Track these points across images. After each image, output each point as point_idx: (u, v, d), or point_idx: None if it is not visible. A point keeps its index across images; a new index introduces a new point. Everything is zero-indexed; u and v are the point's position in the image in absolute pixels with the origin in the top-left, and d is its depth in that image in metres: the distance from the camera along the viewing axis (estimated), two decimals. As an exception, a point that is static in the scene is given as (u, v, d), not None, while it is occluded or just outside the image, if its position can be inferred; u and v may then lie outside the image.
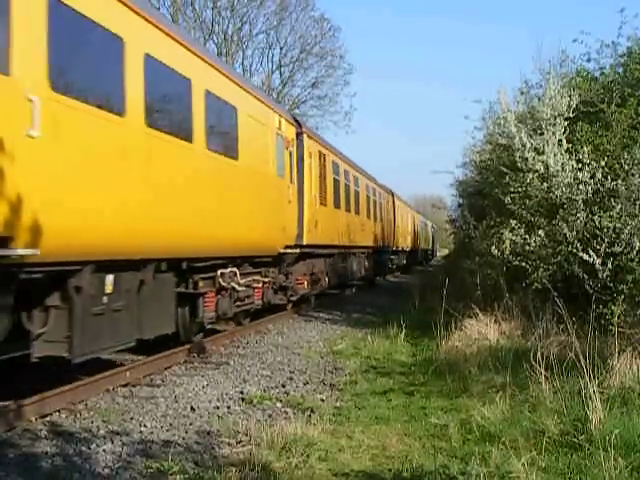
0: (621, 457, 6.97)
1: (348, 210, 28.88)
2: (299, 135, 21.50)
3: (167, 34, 12.35)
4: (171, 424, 9.37)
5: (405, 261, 50.36)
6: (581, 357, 8.88)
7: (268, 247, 18.13)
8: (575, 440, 7.82)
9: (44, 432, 8.82)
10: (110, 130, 10.27)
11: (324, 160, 24.42)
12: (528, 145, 14.76)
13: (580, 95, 15.56)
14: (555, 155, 14.47)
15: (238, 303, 16.84)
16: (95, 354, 10.52)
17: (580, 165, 14.04)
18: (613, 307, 11.57)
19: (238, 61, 41.04)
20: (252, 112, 16.96)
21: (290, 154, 20.27)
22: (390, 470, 7.46)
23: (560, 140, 14.72)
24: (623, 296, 11.89)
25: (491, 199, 18.25)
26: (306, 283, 23.13)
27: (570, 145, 14.67)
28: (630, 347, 10.20)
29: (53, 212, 8.73)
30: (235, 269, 16.16)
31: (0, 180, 7.78)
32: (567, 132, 14.94)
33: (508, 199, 15.07)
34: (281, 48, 42.94)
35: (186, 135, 12.98)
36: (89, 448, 8.16)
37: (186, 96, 13.15)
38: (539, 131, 15.18)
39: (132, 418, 9.58)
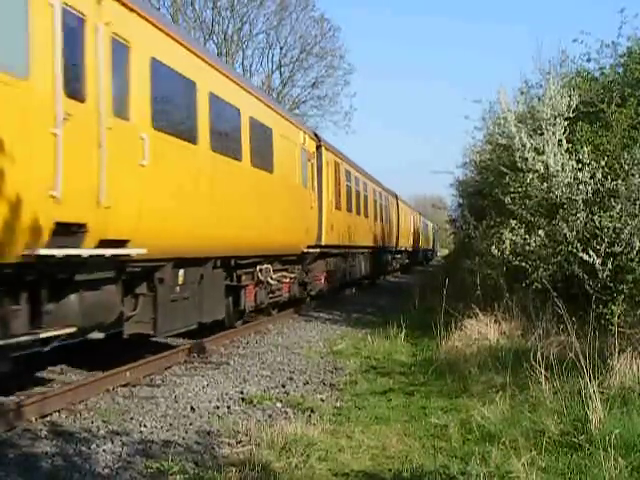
0: (621, 457, 6.97)
1: (358, 213, 31.26)
2: (318, 148, 24.09)
3: (225, 75, 15.55)
4: (171, 424, 9.37)
5: (407, 260, 52.72)
6: (581, 357, 8.87)
7: (294, 247, 20.93)
8: (575, 440, 7.82)
9: (44, 432, 8.82)
10: (188, 155, 13.13)
11: (338, 169, 26.93)
12: (528, 145, 14.76)
13: (580, 95, 15.56)
14: (555, 155, 14.47)
15: (271, 295, 19.76)
16: (171, 333, 13.37)
17: (580, 165, 14.03)
18: (613, 307, 11.57)
19: (238, 61, 41.15)
20: (284, 132, 19.85)
21: (312, 165, 23.01)
22: (390, 470, 7.47)
23: (560, 140, 14.72)
24: (623, 296, 11.90)
25: (491, 199, 18.25)
26: (323, 279, 25.68)
27: (570, 145, 14.67)
28: (630, 347, 10.20)
29: (154, 220, 11.54)
30: (269, 266, 19.00)
31: (126, 198, 10.69)
32: (567, 132, 14.94)
33: (508, 199, 15.08)
34: (281, 48, 43.02)
35: (236, 155, 15.74)
36: (89, 448, 8.16)
37: (237, 123, 16.08)
38: (539, 131, 15.18)
39: (132, 418, 9.59)
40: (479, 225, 18.63)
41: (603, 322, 11.42)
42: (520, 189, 15.12)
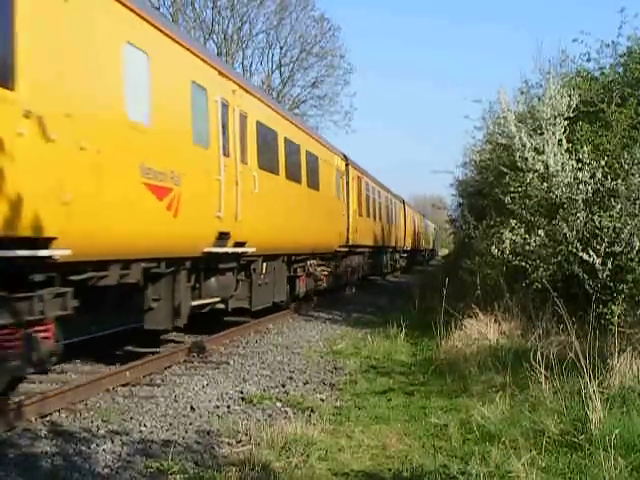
0: (621, 457, 6.98)
1: (374, 218, 36.63)
2: (347, 166, 29.76)
3: (293, 124, 22.01)
4: (171, 424, 9.37)
5: (412, 258, 57.11)
6: (581, 357, 8.88)
7: (331, 246, 26.29)
8: (575, 440, 7.83)
9: (44, 432, 8.83)
10: (274, 183, 18.66)
11: (360, 182, 32.61)
12: (528, 145, 14.76)
13: (580, 95, 15.56)
14: (555, 155, 14.47)
15: (315, 284, 24.95)
16: (259, 307, 18.19)
17: (580, 165, 14.03)
18: (613, 307, 11.57)
19: (238, 61, 41.14)
20: (326, 158, 26.02)
21: (342, 180, 28.84)
22: (390, 470, 7.47)
23: (560, 140, 14.73)
24: (623, 296, 11.89)
25: (491, 199, 18.26)
26: (348, 273, 31.06)
27: (570, 145, 14.67)
28: (630, 347, 10.20)
29: (261, 229, 16.87)
30: (314, 261, 24.34)
31: (248, 215, 15.70)
32: (567, 132, 14.94)
33: (508, 199, 15.08)
34: (281, 48, 43.03)
35: (298, 180, 21.57)
36: (89, 448, 8.17)
37: (299, 157, 21.94)
38: (539, 131, 15.18)
39: (132, 418, 9.59)
40: (479, 225, 18.63)
41: (603, 322, 11.41)
42: (520, 189, 15.12)
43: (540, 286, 13.19)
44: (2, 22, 8.15)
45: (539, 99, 16.48)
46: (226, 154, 14.69)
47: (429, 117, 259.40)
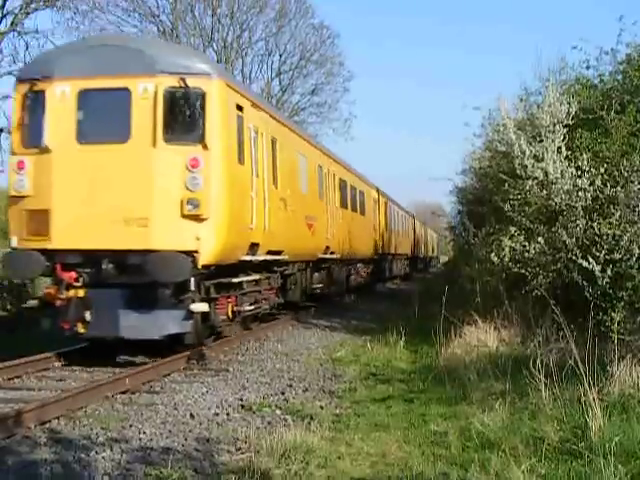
0: (621, 464, 6.97)
1: (393, 232, 44.80)
2: (378, 194, 39.37)
3: (346, 168, 30.44)
4: (170, 431, 9.37)
5: (422, 265, 68.43)
6: (580, 364, 8.88)
7: (370, 254, 35.98)
8: (575, 447, 7.82)
9: (43, 439, 8.82)
10: (348, 214, 29.34)
11: (386, 205, 42.11)
12: (527, 152, 14.75)
13: (579, 102, 15.57)
14: (554, 162, 14.47)
15: (360, 280, 34.73)
16: (333, 292, 27.29)
17: (579, 172, 14.03)
18: (613, 314, 11.54)
19: (238, 68, 41.14)
20: (367, 191, 36.10)
21: (376, 206, 38.36)
22: (389, 477, 7.46)
23: (559, 147, 14.72)
24: (623, 303, 11.87)
25: (490, 206, 18.25)
26: (379, 272, 40.33)
27: (569, 152, 14.67)
28: (630, 354, 10.20)
29: (338, 244, 26.33)
30: (362, 264, 34.56)
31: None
32: (566, 139, 14.94)
33: (507, 206, 15.06)
34: (280, 55, 43.04)
35: (348, 206, 29.96)
36: (88, 455, 8.16)
37: (348, 191, 30.41)
38: (538, 138, 15.18)
39: (131, 425, 9.59)
40: (478, 232, 18.61)
41: (603, 329, 11.40)
42: (519, 196, 15.12)
43: (539, 293, 13.18)
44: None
45: (538, 106, 16.47)
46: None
47: (430, 122, 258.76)
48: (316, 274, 24.00)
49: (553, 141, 14.81)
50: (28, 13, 28.67)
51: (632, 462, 7.22)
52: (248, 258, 15.77)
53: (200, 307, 13.47)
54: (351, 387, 12.38)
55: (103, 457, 8.11)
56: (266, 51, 42.69)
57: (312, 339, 18.84)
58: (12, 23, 28.46)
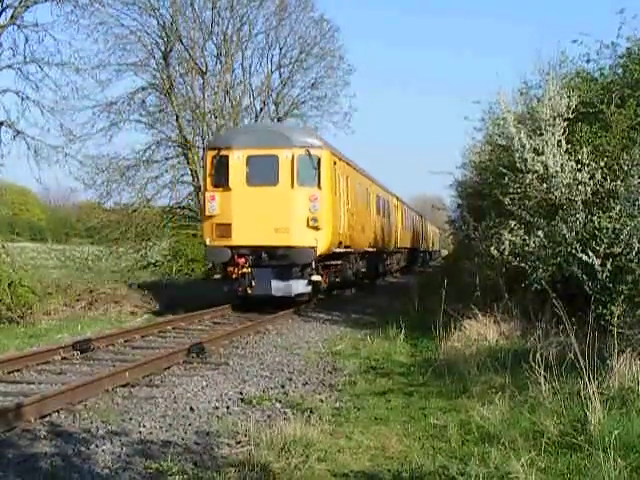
0: (620, 458, 6.97)
1: (408, 230, 51.85)
2: (397, 201, 45.73)
3: (382, 187, 38.57)
4: (170, 424, 9.38)
5: (424, 257, 71.42)
6: (580, 358, 8.89)
7: (392, 248, 41.62)
8: (574, 441, 7.83)
9: (43, 432, 8.83)
10: (378, 219, 36.11)
11: (403, 209, 49.06)
12: (527, 146, 14.75)
13: (579, 96, 15.55)
14: (554, 156, 14.47)
15: (395, 265, 44.73)
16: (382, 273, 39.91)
17: (579, 166, 14.03)
18: (612, 308, 11.52)
19: (237, 62, 40.95)
20: (390, 199, 41.42)
21: (394, 209, 43.74)
22: (389, 471, 7.48)
23: (559, 141, 14.72)
24: (622, 297, 11.85)
25: (490, 200, 18.22)
26: (396, 262, 46.69)
27: (569, 146, 14.66)
28: (629, 348, 10.20)
29: (377, 240, 34.08)
30: (386, 254, 39.70)
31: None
32: (566, 133, 14.93)
33: (507, 200, 15.06)
34: (281, 49, 42.85)
35: (383, 214, 37.50)
36: (88, 448, 8.17)
37: (381, 202, 36.81)
38: (538, 132, 15.17)
39: (131, 418, 9.59)
40: (478, 226, 18.60)
41: (602, 323, 11.38)
42: (519, 190, 15.11)
43: (539, 287, 13.18)
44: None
45: (538, 100, 16.47)
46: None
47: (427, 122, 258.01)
48: (362, 261, 30.77)
49: (553, 135, 14.81)
50: (28, 6, 28.60)
51: (631, 456, 7.23)
52: (337, 250, 24.64)
53: (317, 278, 22.77)
54: (351, 380, 12.39)
55: (103, 450, 8.13)
56: (266, 44, 42.56)
57: (312, 332, 18.84)
58: (12, 16, 28.40)
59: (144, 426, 9.25)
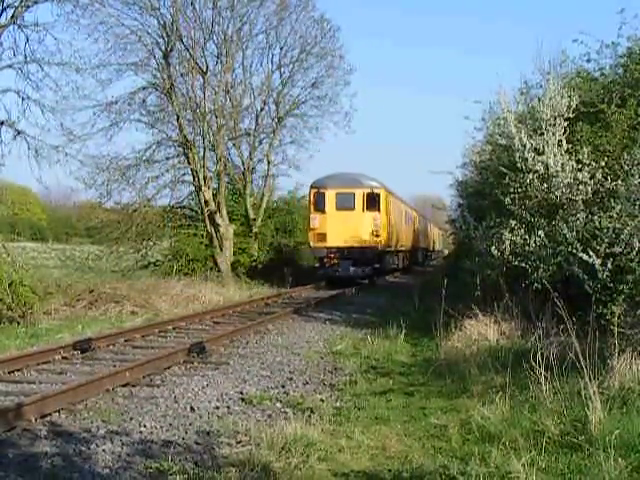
0: (621, 457, 6.99)
1: (422, 234, 60.95)
2: (417, 213, 56.11)
3: (407, 205, 51.81)
4: (171, 424, 9.38)
5: (432, 255, 79.67)
6: (581, 357, 8.89)
7: (410, 247, 50.05)
8: (575, 440, 7.84)
9: (44, 432, 8.84)
10: (403, 225, 47.31)
11: (417, 218, 56.39)
12: (528, 145, 14.76)
13: (580, 95, 15.55)
14: (555, 155, 14.48)
15: (420, 258, 61.14)
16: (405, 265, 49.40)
17: (580, 165, 14.04)
18: (613, 307, 11.53)
19: (238, 61, 40.92)
20: (411, 211, 51.74)
21: (415, 219, 53.64)
22: (390, 470, 7.48)
23: (560, 140, 14.73)
24: (623, 296, 11.86)
25: (491, 199, 18.22)
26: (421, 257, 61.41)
27: (570, 145, 14.67)
28: (630, 347, 10.20)
29: (406, 242, 48.08)
30: (410, 253, 51.19)
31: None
32: (567, 132, 14.94)
33: (508, 199, 15.06)
34: (281, 48, 42.75)
35: (407, 223, 48.74)
36: (89, 448, 8.18)
37: (405, 215, 47.70)
38: (539, 131, 15.18)
39: (132, 418, 9.60)
40: (479, 225, 18.59)
41: (603, 322, 11.40)
42: (520, 189, 15.11)
43: (540, 287, 13.17)
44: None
45: (539, 100, 16.45)
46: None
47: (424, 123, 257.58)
48: (396, 257, 43.13)
49: (554, 134, 14.82)
50: (28, 6, 28.53)
51: (632, 455, 7.24)
52: (389, 248, 38.47)
53: (377, 265, 36.12)
54: (351, 380, 12.39)
55: (103, 450, 8.13)
56: (267, 44, 42.47)
57: (312, 332, 18.84)
58: (12, 16, 28.35)
59: (144, 426, 9.25)
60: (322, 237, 34.77)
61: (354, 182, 35.68)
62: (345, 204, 35.10)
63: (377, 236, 35.14)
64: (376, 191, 35.78)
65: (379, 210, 35.49)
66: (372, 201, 35.33)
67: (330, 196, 35.32)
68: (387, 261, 39.16)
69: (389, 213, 37.97)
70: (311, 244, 35.54)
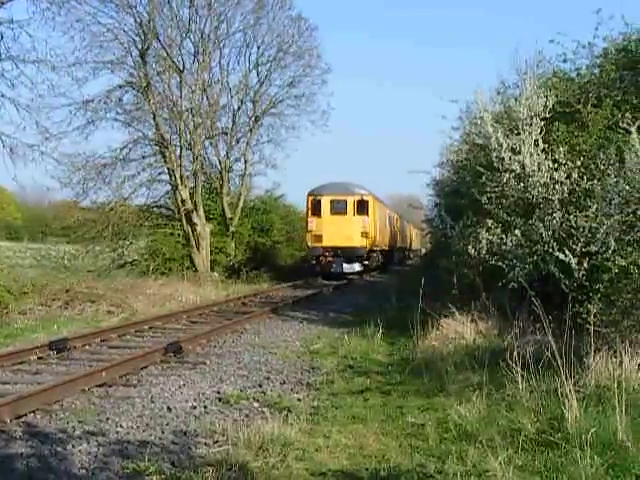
0: (597, 455, 7.03)
1: (404, 235, 65.82)
2: (396, 214, 58.10)
3: (390, 208, 56.29)
4: (147, 424, 9.35)
5: (406, 253, 79.82)
6: (557, 356, 8.92)
7: (391, 247, 52.67)
8: (551, 438, 7.87)
9: (19, 433, 8.78)
10: (387, 226, 51.88)
11: (397, 219, 59.12)
12: (505, 145, 14.80)
13: (556, 95, 15.62)
14: (531, 155, 14.52)
15: (400, 256, 64.35)
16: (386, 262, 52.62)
17: (556, 165, 14.09)
18: (589, 306, 11.56)
19: (215, 60, 40.80)
20: (392, 214, 55.55)
21: (395, 221, 56.94)
22: (367, 469, 7.47)
23: (536, 140, 14.77)
24: (599, 295, 11.90)
25: (468, 199, 18.24)
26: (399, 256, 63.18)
27: (546, 145, 14.72)
28: (606, 346, 10.25)
29: (389, 242, 51.76)
30: (392, 251, 54.92)
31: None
32: (543, 132, 14.99)
33: (485, 199, 15.10)
34: (258, 47, 42.67)
35: (389, 225, 52.91)
36: (65, 449, 8.13)
37: (388, 218, 51.86)
38: (515, 131, 15.22)
39: (108, 418, 9.55)
40: (456, 225, 18.63)
41: (579, 321, 11.43)
42: (497, 189, 15.15)
43: (516, 285, 13.22)
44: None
45: (516, 99, 16.50)
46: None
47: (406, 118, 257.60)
48: (382, 255, 47.14)
49: (530, 134, 14.87)
50: (3, 3, 28.29)
51: (608, 453, 7.28)
52: (376, 248, 42.77)
53: (366, 262, 40.83)
54: (328, 379, 12.39)
55: (80, 451, 8.09)
56: (244, 43, 42.38)
57: (290, 331, 18.83)
58: (-14, 14, 28.23)
59: (121, 426, 9.21)
60: (318, 238, 39.47)
61: (346, 190, 40.77)
62: (338, 209, 40.10)
63: (366, 237, 40.17)
64: (365, 198, 40.75)
65: (368, 214, 40.52)
66: (362, 207, 40.37)
67: (325, 202, 40.17)
68: (374, 259, 43.92)
69: (376, 217, 42.86)
70: (309, 244, 40.14)
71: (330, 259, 39.43)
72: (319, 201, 40.40)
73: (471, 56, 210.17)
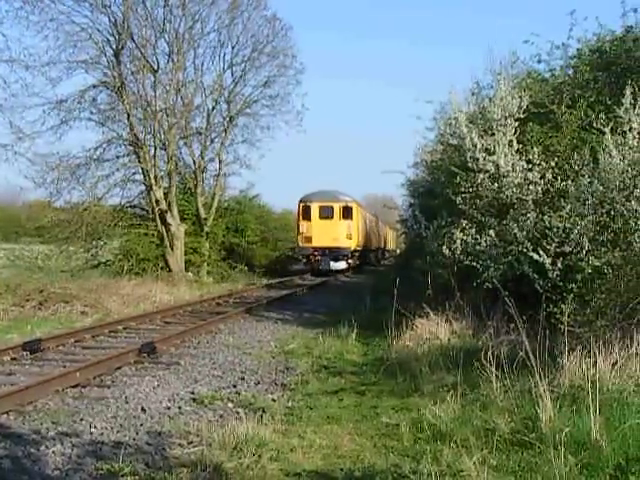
0: (571, 454, 7.06)
1: (380, 236, 69.07)
2: (375, 217, 63.28)
3: (370, 212, 62.32)
4: (122, 425, 9.31)
5: (383, 253, 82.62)
6: (531, 356, 8.96)
7: (375, 247, 64.15)
8: (526, 438, 7.90)
9: (-8, 434, 8.71)
10: (370, 230, 59.70)
11: (376, 221, 63.64)
12: (479, 145, 14.83)
13: (531, 96, 15.67)
14: (505, 155, 14.56)
15: (380, 257, 69.66)
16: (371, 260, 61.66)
17: (530, 165, 14.14)
18: (563, 306, 11.62)
19: (190, 60, 40.63)
20: (372, 218, 60.69)
21: (374, 224, 61.50)
22: (342, 470, 7.49)
23: (511, 141, 14.82)
24: (572, 295, 11.96)
25: (442, 199, 18.28)
26: (374, 257, 65.16)
27: (520, 146, 14.76)
28: (579, 346, 10.29)
29: (371, 243, 60.08)
30: (374, 251, 63.94)
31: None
32: (517, 133, 15.03)
33: (459, 199, 15.12)
34: (233, 47, 42.54)
35: (370, 227, 59.30)
36: (38, 450, 8.08)
37: (368, 221, 57.16)
38: (490, 132, 15.26)
39: (82, 419, 9.50)
40: (430, 225, 18.66)
41: (553, 321, 11.48)
42: (471, 189, 15.18)
43: (491, 286, 13.24)
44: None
45: (490, 100, 16.57)
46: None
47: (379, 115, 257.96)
48: (363, 255, 52.40)
49: (504, 134, 14.90)
50: (-24, 2, 28.22)
51: (582, 452, 7.31)
52: (358, 248, 48.61)
53: (351, 261, 46.97)
54: (303, 380, 12.39)
55: (53, 452, 8.04)
56: (218, 42, 42.19)
57: (264, 332, 18.81)
58: (-42, 12, 27.98)
59: (95, 427, 9.17)
60: (308, 239, 45.01)
61: (333, 197, 46.63)
62: (326, 214, 45.70)
63: (350, 239, 45.94)
64: (350, 205, 46.66)
65: (352, 219, 46.36)
66: (347, 212, 46.14)
67: (314, 208, 45.82)
68: (357, 257, 50.02)
69: (359, 221, 48.98)
70: (300, 245, 45.86)
71: (319, 258, 44.80)
72: (309, 207, 46.07)
73: (448, 56, 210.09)
